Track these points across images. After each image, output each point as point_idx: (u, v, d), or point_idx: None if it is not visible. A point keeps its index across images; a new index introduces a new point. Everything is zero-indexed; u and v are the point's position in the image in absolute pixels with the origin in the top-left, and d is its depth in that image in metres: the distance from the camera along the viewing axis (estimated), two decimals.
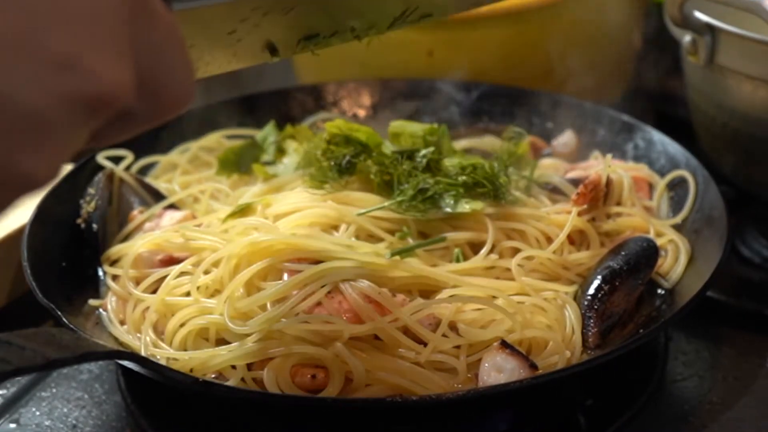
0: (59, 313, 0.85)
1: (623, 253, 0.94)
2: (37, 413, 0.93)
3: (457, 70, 1.30)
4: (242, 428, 0.90)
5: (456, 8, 0.81)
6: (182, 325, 0.87)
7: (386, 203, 0.94)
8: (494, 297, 0.88)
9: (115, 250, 1.00)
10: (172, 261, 0.95)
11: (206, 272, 0.90)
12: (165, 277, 0.92)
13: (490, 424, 0.89)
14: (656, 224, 1.02)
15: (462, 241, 0.93)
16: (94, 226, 1.03)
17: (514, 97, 1.26)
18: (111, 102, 0.48)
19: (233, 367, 0.83)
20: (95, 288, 0.98)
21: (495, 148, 1.12)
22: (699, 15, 1.07)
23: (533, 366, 0.81)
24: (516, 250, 0.94)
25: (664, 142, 1.14)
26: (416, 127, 1.05)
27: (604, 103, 1.27)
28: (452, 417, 0.86)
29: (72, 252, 0.99)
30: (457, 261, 0.92)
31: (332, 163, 0.99)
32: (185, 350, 0.86)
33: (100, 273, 1.00)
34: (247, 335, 0.84)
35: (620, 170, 1.07)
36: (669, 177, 1.10)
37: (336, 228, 0.94)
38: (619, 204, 1.04)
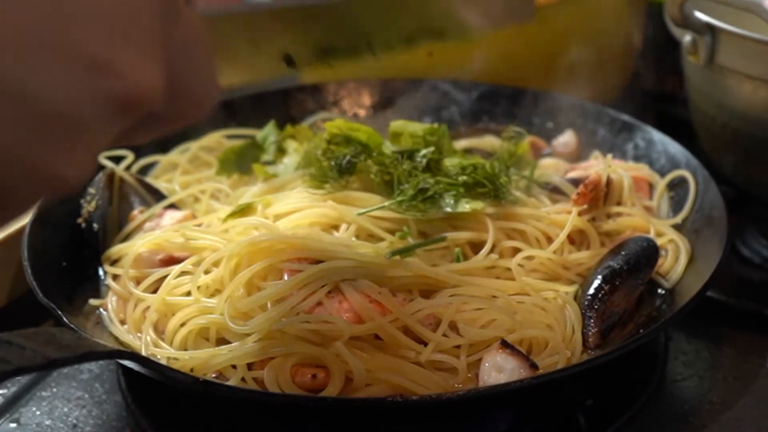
0: (60, 312, 0.85)
1: (623, 252, 0.94)
2: (38, 413, 0.93)
3: (457, 70, 1.30)
4: (242, 428, 0.90)
5: (466, 30, 0.81)
6: (183, 324, 0.87)
7: (386, 203, 0.94)
8: (494, 297, 0.88)
9: (116, 249, 1.00)
10: (172, 261, 0.95)
11: (207, 272, 0.90)
12: (165, 276, 0.92)
13: (490, 423, 0.89)
14: (656, 224, 1.02)
15: (462, 240, 0.93)
16: (95, 225, 1.03)
17: (514, 97, 1.26)
18: (142, 102, 0.49)
19: (234, 366, 0.83)
20: (95, 288, 0.98)
21: (495, 148, 1.12)
22: (699, 15, 1.07)
23: (533, 366, 0.81)
24: (516, 250, 0.94)
25: (664, 142, 1.14)
26: (416, 127, 1.05)
27: (604, 103, 1.27)
28: (452, 417, 0.86)
29: (72, 252, 0.99)
30: (458, 261, 0.92)
31: (332, 163, 0.99)
32: (186, 350, 0.86)
33: (101, 273, 1.00)
34: (248, 335, 0.84)
35: (620, 170, 1.07)
36: (669, 177, 1.10)
37: (336, 228, 0.94)
38: (619, 204, 1.04)
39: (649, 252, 0.95)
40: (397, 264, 0.88)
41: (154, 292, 0.92)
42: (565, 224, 0.96)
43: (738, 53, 1.05)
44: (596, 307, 0.89)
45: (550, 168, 1.11)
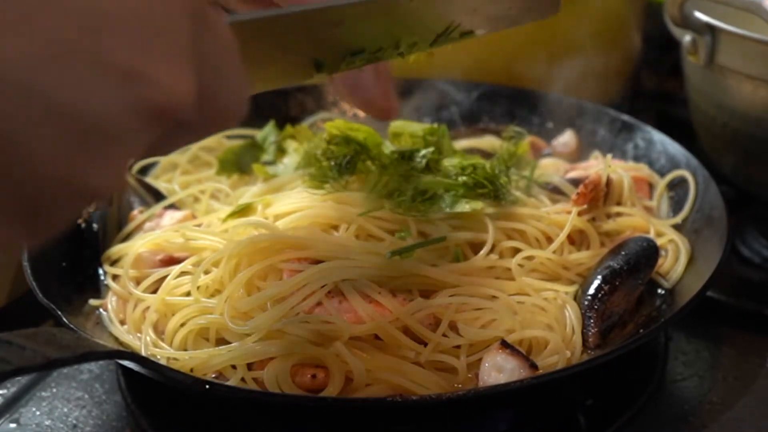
0: (59, 312, 0.85)
1: (623, 253, 0.94)
2: (38, 413, 0.93)
3: (457, 70, 1.30)
4: (242, 428, 0.90)
5: (494, 27, 0.81)
6: (182, 324, 0.87)
7: (387, 204, 0.94)
8: (494, 297, 0.88)
9: (116, 249, 1.00)
10: (172, 261, 0.95)
11: (206, 272, 0.90)
12: (165, 276, 0.92)
13: (490, 424, 0.89)
14: (656, 224, 1.02)
15: (462, 240, 0.93)
16: (95, 225, 1.02)
17: (514, 97, 1.26)
18: (174, 112, 0.49)
19: (233, 366, 0.83)
20: (95, 288, 0.98)
21: (495, 148, 1.12)
22: (699, 15, 1.07)
23: (533, 366, 0.81)
24: (516, 250, 0.94)
25: (664, 142, 1.14)
26: (416, 127, 1.05)
27: (604, 103, 1.27)
28: (452, 417, 0.86)
29: (72, 252, 0.99)
30: (457, 261, 0.92)
31: (332, 163, 0.99)
32: (185, 350, 0.86)
33: (101, 273, 1.00)
34: (248, 335, 0.84)
35: (620, 170, 1.07)
36: (669, 177, 1.10)
37: (336, 228, 0.94)
38: (619, 204, 1.04)
39: (649, 252, 0.95)
40: (397, 264, 0.88)
41: (154, 292, 0.92)
42: (565, 224, 0.96)
43: (738, 53, 1.05)
44: (596, 307, 0.89)
45: (550, 168, 1.11)
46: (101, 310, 0.95)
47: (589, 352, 0.87)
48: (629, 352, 0.82)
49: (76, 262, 0.99)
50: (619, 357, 0.81)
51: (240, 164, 1.12)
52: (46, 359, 0.68)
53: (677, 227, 1.04)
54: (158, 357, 0.86)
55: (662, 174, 1.11)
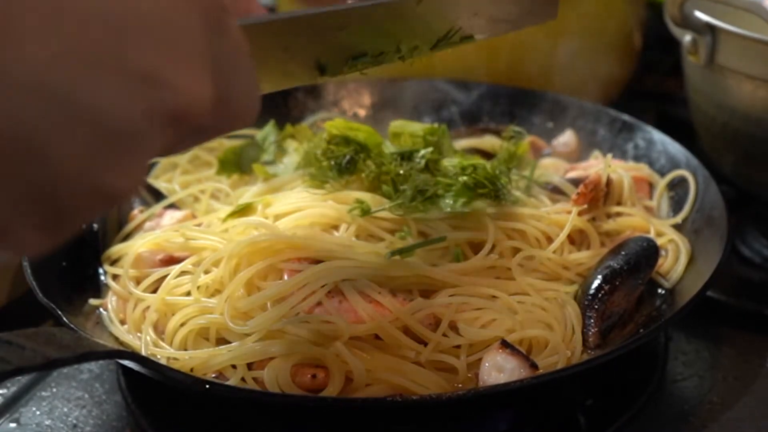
0: (59, 312, 0.85)
1: (623, 252, 0.94)
2: (38, 413, 0.93)
3: (457, 70, 1.29)
4: (242, 428, 0.90)
5: (493, 31, 0.82)
6: (182, 324, 0.87)
7: (386, 205, 0.94)
8: (494, 297, 0.88)
9: (116, 249, 1.00)
10: (172, 260, 0.95)
11: (206, 272, 0.90)
12: (165, 276, 0.92)
13: (490, 423, 0.89)
14: (656, 224, 1.02)
15: (462, 240, 0.93)
16: (94, 225, 1.02)
17: (514, 97, 1.26)
18: (191, 116, 0.50)
19: (233, 366, 0.83)
20: (95, 287, 0.98)
21: (495, 148, 1.12)
22: (699, 15, 1.07)
23: (534, 366, 0.81)
24: (516, 250, 0.94)
25: (664, 142, 1.14)
26: (416, 127, 1.05)
27: (604, 103, 1.27)
28: (452, 417, 0.86)
29: (72, 252, 0.99)
30: (458, 261, 0.92)
31: (332, 162, 0.99)
32: (185, 350, 0.86)
33: (101, 273, 1.00)
34: (248, 335, 0.84)
35: (620, 170, 1.07)
36: (669, 177, 1.10)
37: (336, 228, 0.94)
38: (619, 204, 1.04)
39: (649, 252, 0.95)
40: (397, 264, 0.88)
41: (154, 292, 0.92)
42: (565, 224, 0.96)
43: (738, 53, 1.05)
44: (596, 307, 0.89)
45: (550, 168, 1.11)
46: (101, 309, 0.95)
47: (589, 352, 0.87)
48: (629, 352, 0.82)
49: (76, 262, 0.99)
50: (619, 357, 0.81)
51: (240, 164, 1.12)
52: (46, 359, 0.68)
53: (677, 227, 1.04)
54: (158, 357, 0.86)
55: (662, 174, 1.11)
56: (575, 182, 1.03)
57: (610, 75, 1.40)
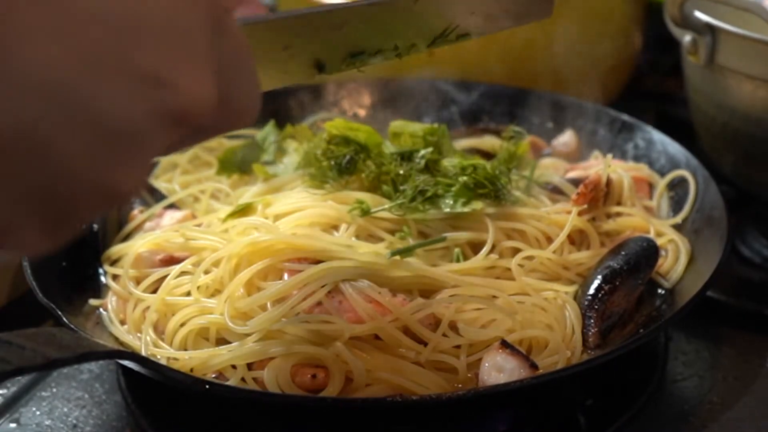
0: (59, 312, 0.85)
1: (623, 252, 0.94)
2: (38, 413, 0.93)
3: (457, 70, 1.29)
4: (242, 428, 0.90)
5: (490, 29, 0.83)
6: (182, 324, 0.87)
7: (386, 205, 0.94)
8: (494, 297, 0.88)
9: (116, 249, 1.00)
10: (172, 261, 0.95)
11: (206, 272, 0.90)
12: (165, 276, 0.92)
13: (490, 424, 0.89)
14: (656, 224, 1.02)
15: (462, 240, 0.93)
16: (94, 225, 1.03)
17: (514, 97, 1.26)
18: (195, 117, 0.50)
19: (233, 366, 0.83)
20: (95, 288, 0.98)
21: (495, 148, 1.12)
22: (699, 15, 1.07)
23: (533, 366, 0.81)
24: (516, 250, 0.94)
25: (664, 142, 1.14)
26: (416, 127, 1.05)
27: (604, 103, 1.27)
28: (452, 417, 0.86)
29: (72, 252, 0.99)
30: (457, 261, 0.92)
31: (332, 163, 0.99)
32: (185, 350, 0.86)
33: (101, 273, 1.00)
34: (248, 335, 0.84)
35: (620, 170, 1.07)
36: (669, 177, 1.10)
37: (336, 228, 0.94)
38: (619, 204, 1.04)
39: (649, 252, 0.95)
40: (397, 264, 0.88)
41: (154, 292, 0.92)
42: (565, 224, 0.96)
43: (738, 53, 1.05)
44: (596, 307, 0.89)
45: (550, 168, 1.11)
46: (101, 310, 0.95)
47: (589, 352, 0.87)
48: (629, 352, 0.82)
49: (76, 262, 0.99)
50: (619, 357, 0.81)
51: (240, 164, 1.12)
52: (46, 359, 0.68)
53: (677, 227, 1.04)
54: (158, 357, 0.86)
55: (662, 174, 1.11)
56: (575, 182, 1.03)
57: (610, 75, 1.40)
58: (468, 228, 0.94)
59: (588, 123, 1.21)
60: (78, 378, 0.97)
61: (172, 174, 1.15)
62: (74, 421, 0.92)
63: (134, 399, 0.93)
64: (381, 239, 0.92)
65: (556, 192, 1.05)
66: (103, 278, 0.99)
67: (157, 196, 1.08)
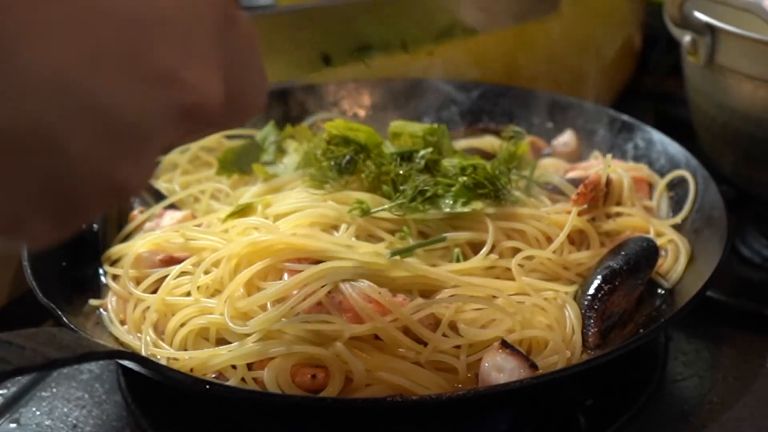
0: (59, 312, 0.85)
1: (623, 253, 0.94)
2: (38, 413, 0.93)
3: (457, 70, 1.29)
4: (242, 428, 0.90)
5: (496, 24, 0.84)
6: (182, 324, 0.87)
7: (386, 206, 0.94)
8: (494, 297, 0.88)
9: (116, 250, 1.00)
10: (172, 261, 0.95)
11: (206, 272, 0.90)
12: (165, 276, 0.92)
13: (490, 423, 0.89)
14: (656, 224, 1.02)
15: (462, 241, 0.93)
16: (95, 226, 1.03)
17: (514, 97, 1.26)
18: (203, 112, 0.51)
19: (233, 366, 0.83)
20: (95, 288, 0.98)
21: (495, 148, 1.12)
22: (699, 15, 1.07)
23: (533, 366, 0.81)
24: (516, 250, 0.94)
25: (664, 142, 1.14)
26: (416, 127, 1.05)
27: (604, 103, 1.27)
28: (452, 417, 0.86)
29: (72, 252, 0.99)
30: (457, 261, 0.92)
31: (332, 163, 0.99)
32: (185, 350, 0.86)
33: (101, 273, 1.00)
34: (248, 335, 0.84)
35: (620, 170, 1.07)
36: (669, 177, 1.10)
37: (336, 228, 0.94)
38: (619, 204, 1.04)
39: (649, 252, 0.95)
40: (397, 264, 0.88)
41: (154, 292, 0.92)
42: (565, 224, 0.95)
43: (738, 53, 1.05)
44: (596, 307, 0.89)
45: (550, 168, 1.11)
46: (101, 310, 0.95)
47: (589, 352, 0.87)
48: (629, 352, 0.82)
49: (76, 262, 0.99)
50: (619, 357, 0.81)
51: (240, 164, 1.12)
52: (46, 359, 0.68)
53: (677, 227, 1.04)
54: (158, 357, 0.86)
55: (662, 174, 1.11)
56: (575, 182, 1.03)
57: (609, 75, 1.40)
58: (468, 228, 0.94)
59: (588, 123, 1.21)
60: (78, 378, 0.97)
61: (172, 174, 1.15)
62: (74, 421, 0.92)
63: (134, 399, 0.93)
64: (381, 239, 0.92)
65: (556, 192, 1.04)
66: (103, 278, 0.99)
67: (157, 196, 1.08)
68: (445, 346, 0.84)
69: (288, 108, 1.26)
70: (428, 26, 0.80)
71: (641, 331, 0.89)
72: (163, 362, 0.85)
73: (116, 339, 0.90)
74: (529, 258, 0.93)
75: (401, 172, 0.96)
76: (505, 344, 0.82)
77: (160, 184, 1.11)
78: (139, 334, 0.89)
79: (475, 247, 0.93)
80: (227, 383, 0.82)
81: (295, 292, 0.84)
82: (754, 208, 1.20)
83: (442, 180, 0.95)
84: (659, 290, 0.97)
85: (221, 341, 0.86)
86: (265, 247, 0.89)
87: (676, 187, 1.09)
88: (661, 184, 1.10)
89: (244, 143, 1.15)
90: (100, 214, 0.51)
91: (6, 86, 0.44)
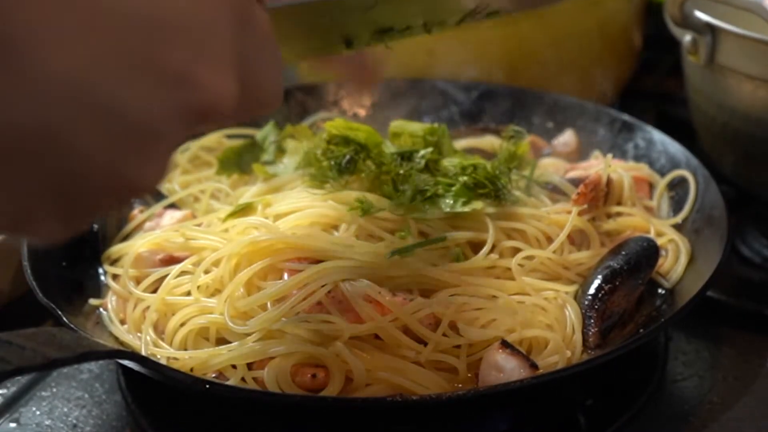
0: (59, 312, 0.85)
1: (623, 252, 0.94)
2: (38, 413, 0.93)
3: (457, 70, 1.29)
4: (242, 428, 0.90)
5: (519, 6, 0.84)
6: (182, 324, 0.87)
7: (386, 206, 0.94)
8: (494, 296, 0.88)
9: (116, 249, 1.00)
10: (172, 260, 0.95)
11: (206, 272, 0.90)
12: (165, 276, 0.92)
13: (490, 423, 0.89)
14: (656, 224, 1.02)
15: (462, 240, 0.93)
16: (95, 225, 1.02)
17: (514, 97, 1.26)
18: (217, 112, 0.51)
19: (233, 366, 0.83)
20: (95, 287, 0.98)
21: (495, 148, 1.12)
22: (699, 15, 1.07)
23: (533, 366, 0.81)
24: (516, 250, 0.94)
25: (664, 142, 1.14)
26: (416, 127, 1.05)
27: (604, 103, 1.27)
28: (452, 417, 0.86)
29: (72, 252, 0.99)
30: (458, 260, 0.91)
31: (332, 162, 0.99)
32: (185, 350, 0.86)
33: (101, 273, 1.00)
34: (248, 335, 0.84)
35: (620, 170, 1.07)
36: (669, 177, 1.10)
37: (336, 228, 0.94)
38: (619, 204, 1.04)
39: (650, 252, 0.95)
40: (397, 264, 0.88)
41: (154, 291, 0.92)
42: (565, 224, 0.95)
43: (738, 53, 1.05)
44: (596, 307, 0.89)
45: (550, 168, 1.11)
46: (101, 309, 0.95)
47: (589, 352, 0.87)
48: (629, 352, 0.82)
49: (76, 262, 0.99)
50: (619, 357, 0.81)
51: (240, 164, 1.12)
52: (46, 359, 0.68)
53: (677, 227, 1.04)
54: (158, 357, 0.86)
55: (662, 174, 1.11)
56: (575, 182, 1.03)
57: (610, 75, 1.40)
58: (468, 228, 0.94)
59: (588, 123, 1.21)
60: (78, 378, 0.97)
61: (172, 174, 1.15)
62: (74, 421, 0.92)
63: (134, 399, 0.93)
64: (381, 239, 0.92)
65: (556, 192, 1.04)
66: (103, 278, 0.99)
67: (157, 195, 1.08)
68: (445, 345, 0.84)
69: (288, 108, 1.26)
70: (452, 9, 0.79)
71: (641, 331, 0.89)
72: (163, 362, 0.85)
73: (116, 339, 0.90)
74: (530, 258, 0.93)
75: (401, 171, 0.96)
76: (505, 344, 0.82)
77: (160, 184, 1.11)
78: (139, 334, 0.89)
79: (476, 247, 0.93)
80: (227, 383, 0.82)
81: (295, 291, 0.84)
82: (754, 208, 1.20)
83: (442, 180, 0.95)
84: (659, 290, 0.97)
85: (221, 341, 0.86)
86: (265, 246, 0.89)
87: (677, 187, 1.09)
88: (661, 183, 1.10)
89: (244, 143, 1.15)
90: (111, 212, 0.51)
91: (19, 86, 0.44)
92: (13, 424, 0.92)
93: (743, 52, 1.04)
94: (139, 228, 1.03)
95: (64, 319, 0.84)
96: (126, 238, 1.03)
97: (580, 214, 0.97)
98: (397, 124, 1.06)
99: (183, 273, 0.91)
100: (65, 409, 0.93)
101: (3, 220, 0.48)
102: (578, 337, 0.88)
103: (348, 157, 0.98)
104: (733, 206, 1.01)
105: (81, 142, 0.46)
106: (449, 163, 0.99)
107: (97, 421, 0.92)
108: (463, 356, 0.83)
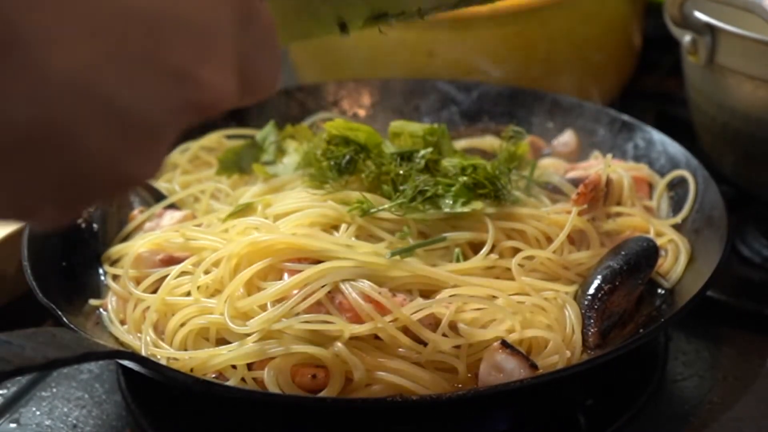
0: (59, 312, 0.85)
1: (623, 252, 0.94)
2: (38, 413, 0.93)
3: (457, 70, 1.29)
4: (242, 428, 0.90)
5: None
6: (182, 324, 0.87)
7: (386, 206, 0.94)
8: (494, 297, 0.88)
9: (116, 249, 1.00)
10: (172, 261, 0.95)
11: (206, 272, 0.90)
12: (165, 276, 0.92)
13: (490, 424, 0.89)
14: (656, 224, 1.02)
15: (462, 240, 0.93)
16: (95, 226, 1.03)
17: (514, 97, 1.26)
18: (218, 108, 0.52)
19: (233, 366, 0.83)
20: (95, 288, 0.98)
21: (495, 148, 1.12)
22: (699, 15, 1.07)
23: (533, 366, 0.81)
24: (516, 250, 0.94)
25: (664, 142, 1.14)
26: (416, 127, 1.05)
27: (604, 103, 1.27)
28: (452, 417, 0.86)
29: (72, 252, 0.99)
30: (457, 261, 0.92)
31: (332, 163, 0.99)
32: (185, 350, 0.86)
33: (101, 273, 1.00)
34: (248, 335, 0.84)
35: (620, 170, 1.07)
36: (669, 177, 1.10)
37: (336, 228, 0.94)
38: (619, 204, 1.04)
39: (649, 252, 0.95)
40: (397, 264, 0.88)
41: (154, 292, 0.92)
42: (565, 224, 0.95)
43: (738, 53, 1.05)
44: (596, 307, 0.89)
45: (549, 168, 1.11)
46: (101, 310, 0.95)
47: (589, 352, 0.87)
48: (629, 352, 0.82)
49: (76, 262, 0.99)
50: (619, 357, 0.81)
51: (240, 164, 1.12)
52: (46, 359, 0.68)
53: (677, 227, 1.04)
54: (158, 357, 0.86)
55: (662, 174, 1.11)
56: (575, 182, 1.03)
57: (609, 75, 1.40)
58: (468, 228, 0.94)
59: (588, 123, 1.21)
60: (78, 378, 0.97)
61: (172, 174, 1.15)
62: (74, 421, 0.92)
63: (134, 399, 0.93)
64: (381, 239, 0.92)
65: (556, 192, 1.04)
66: (103, 278, 0.99)
67: (157, 196, 1.08)
68: (445, 346, 0.84)
69: (288, 108, 1.26)
70: None
71: (641, 331, 0.89)
72: (163, 362, 0.85)
73: (116, 339, 0.90)
74: (529, 258, 0.93)
75: (401, 172, 0.96)
76: (505, 344, 0.82)
77: (160, 184, 1.11)
78: (139, 334, 0.89)
79: (475, 247, 0.93)
80: (227, 383, 0.82)
81: (295, 292, 0.84)
82: (754, 208, 1.20)
83: (442, 180, 0.95)
84: (659, 290, 0.97)
85: (221, 341, 0.86)
86: (265, 246, 0.89)
87: (676, 187, 1.09)
88: (661, 184, 1.10)
89: (244, 143, 1.15)
90: (109, 200, 0.53)
91: (23, 84, 0.44)
92: (13, 425, 0.92)
93: (743, 52, 1.04)
94: (139, 228, 1.03)
95: (64, 319, 0.84)
96: (126, 238, 1.03)
97: (579, 214, 0.97)
98: (397, 124, 1.06)
99: (183, 273, 0.91)
100: (65, 410, 0.93)
101: (7, 210, 0.49)
102: (578, 337, 0.88)
103: (348, 157, 0.98)
104: (733, 206, 1.01)
105: (84, 139, 0.47)
106: (449, 163, 0.99)
107: (97, 421, 0.92)
108: (462, 356, 0.83)
